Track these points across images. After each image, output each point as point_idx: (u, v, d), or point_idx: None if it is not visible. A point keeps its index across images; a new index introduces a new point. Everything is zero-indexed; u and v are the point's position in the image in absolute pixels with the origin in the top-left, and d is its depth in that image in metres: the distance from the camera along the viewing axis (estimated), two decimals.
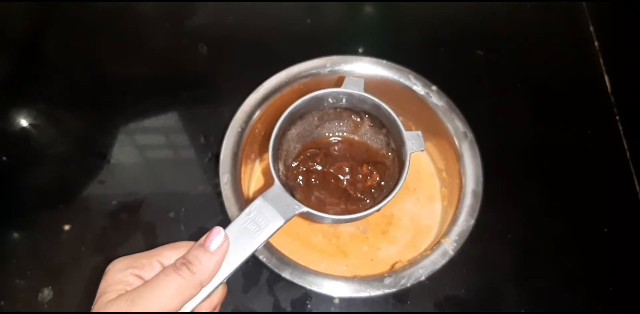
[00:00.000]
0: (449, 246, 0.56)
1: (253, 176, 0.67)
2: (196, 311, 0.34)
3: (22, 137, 0.65)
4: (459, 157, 0.61)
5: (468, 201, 0.58)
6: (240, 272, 0.57)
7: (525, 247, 0.60)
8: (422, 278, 0.54)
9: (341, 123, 0.46)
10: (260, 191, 0.58)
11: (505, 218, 0.61)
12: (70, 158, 0.64)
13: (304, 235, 0.63)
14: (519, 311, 0.57)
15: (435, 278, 0.55)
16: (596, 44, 0.71)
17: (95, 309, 0.31)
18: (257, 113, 0.62)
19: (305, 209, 0.37)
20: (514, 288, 0.58)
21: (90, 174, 0.62)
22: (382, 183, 0.44)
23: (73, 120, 0.67)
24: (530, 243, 0.60)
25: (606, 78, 0.69)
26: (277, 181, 0.38)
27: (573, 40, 0.72)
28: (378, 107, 0.41)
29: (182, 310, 0.33)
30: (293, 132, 0.45)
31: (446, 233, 0.57)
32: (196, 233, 0.59)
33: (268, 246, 0.55)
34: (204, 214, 0.60)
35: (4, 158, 0.64)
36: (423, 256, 0.56)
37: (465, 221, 0.57)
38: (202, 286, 0.33)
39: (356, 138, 0.47)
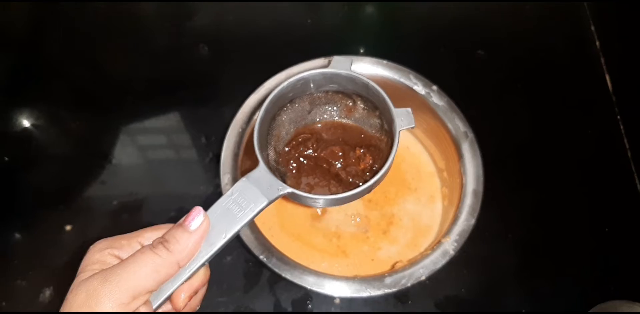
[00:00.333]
0: (450, 246, 0.56)
1: None
2: (177, 293, 0.34)
3: (24, 138, 0.65)
4: (459, 157, 0.61)
5: (469, 200, 0.58)
6: (241, 272, 0.57)
7: (526, 247, 0.60)
8: (423, 278, 0.54)
9: (334, 107, 0.46)
10: None
11: (505, 218, 0.61)
12: (71, 158, 0.65)
13: (304, 235, 0.63)
14: (519, 311, 0.57)
15: (436, 277, 0.55)
16: (597, 43, 0.71)
17: (71, 288, 0.31)
18: (258, 113, 0.62)
19: (289, 190, 0.37)
20: (515, 288, 0.58)
21: (92, 174, 0.63)
22: (375, 166, 0.43)
23: (74, 121, 0.67)
24: (531, 242, 0.60)
25: (607, 78, 0.69)
26: (261, 163, 0.38)
27: (574, 40, 0.72)
28: (367, 85, 0.41)
29: (164, 292, 0.33)
30: (284, 117, 0.45)
31: (447, 233, 0.57)
32: None
33: (268, 246, 0.55)
34: None
35: (6, 158, 0.64)
36: (424, 255, 0.56)
37: (465, 220, 0.57)
38: (179, 266, 0.33)
39: (349, 122, 0.46)
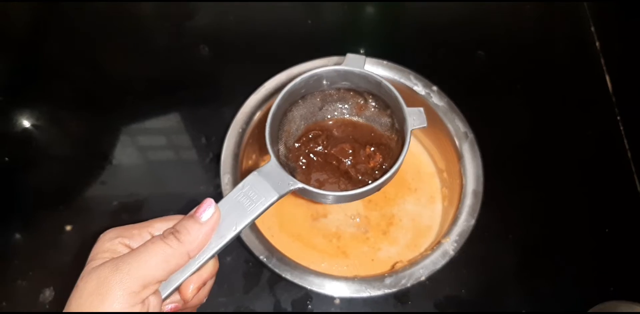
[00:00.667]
0: (450, 246, 0.56)
1: None
2: (185, 284, 0.34)
3: (24, 138, 0.65)
4: (459, 157, 0.61)
5: (468, 201, 0.58)
6: (241, 272, 0.57)
7: (526, 247, 0.60)
8: (423, 278, 0.54)
9: (345, 105, 0.46)
10: None
11: (505, 218, 0.61)
12: (71, 159, 0.65)
13: (305, 235, 0.63)
14: (519, 311, 0.57)
15: (436, 278, 0.55)
16: (597, 44, 0.71)
17: (81, 276, 0.31)
18: (258, 114, 0.62)
19: (300, 185, 0.37)
20: (515, 288, 0.58)
21: (92, 175, 0.63)
22: (385, 165, 0.43)
23: (74, 121, 0.67)
24: (531, 243, 0.60)
25: (607, 78, 0.69)
26: (273, 158, 0.38)
27: (574, 40, 0.72)
28: (379, 84, 0.41)
29: (174, 282, 0.33)
30: (295, 113, 0.45)
31: (447, 233, 0.57)
32: None
33: (268, 246, 0.55)
34: None
35: (6, 158, 0.64)
36: (423, 256, 0.56)
37: (465, 221, 0.57)
38: (189, 257, 0.33)
39: (360, 120, 0.46)
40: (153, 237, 0.33)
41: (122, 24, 0.73)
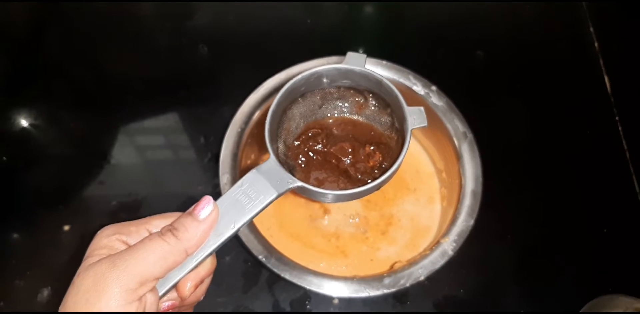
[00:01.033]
0: (449, 247, 0.56)
1: None
2: (183, 281, 0.34)
3: (22, 137, 0.65)
4: (458, 157, 0.61)
5: (467, 201, 0.58)
6: (239, 272, 0.57)
7: (525, 247, 0.60)
8: (422, 278, 0.54)
9: (345, 104, 0.46)
10: None
11: (504, 218, 0.61)
12: (70, 158, 0.65)
13: (303, 235, 0.63)
14: (517, 311, 0.57)
15: (435, 278, 0.55)
16: (596, 44, 0.71)
17: (78, 272, 0.31)
18: (257, 113, 0.62)
19: (299, 183, 0.37)
20: (514, 288, 0.58)
21: (90, 174, 0.63)
22: (385, 164, 0.43)
23: (73, 121, 0.67)
24: (530, 243, 0.60)
25: (606, 78, 0.69)
26: (272, 155, 0.38)
27: (573, 40, 0.72)
28: (380, 83, 0.41)
29: (171, 280, 0.33)
30: (295, 111, 0.45)
31: (445, 233, 0.57)
32: None
33: (267, 246, 0.55)
34: None
35: (4, 158, 0.64)
36: (422, 256, 0.56)
37: (464, 221, 0.57)
38: (187, 254, 0.33)
39: (360, 118, 0.46)
40: (151, 234, 0.33)
41: (121, 24, 0.73)
